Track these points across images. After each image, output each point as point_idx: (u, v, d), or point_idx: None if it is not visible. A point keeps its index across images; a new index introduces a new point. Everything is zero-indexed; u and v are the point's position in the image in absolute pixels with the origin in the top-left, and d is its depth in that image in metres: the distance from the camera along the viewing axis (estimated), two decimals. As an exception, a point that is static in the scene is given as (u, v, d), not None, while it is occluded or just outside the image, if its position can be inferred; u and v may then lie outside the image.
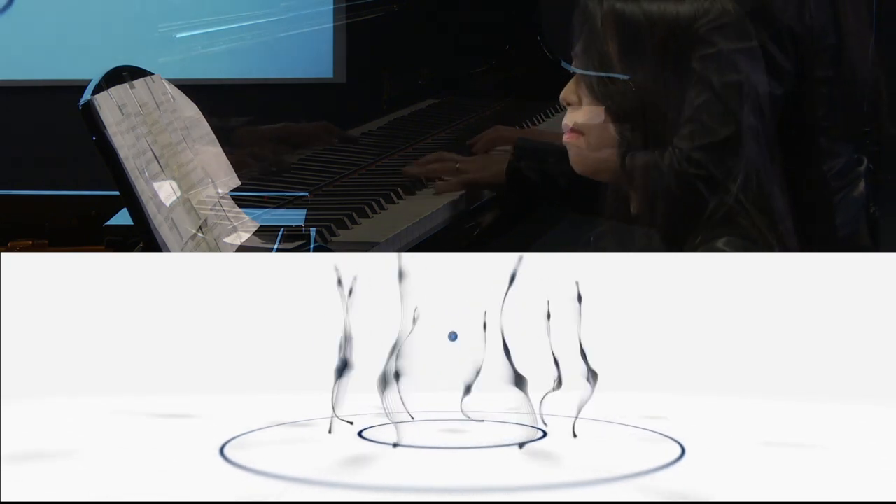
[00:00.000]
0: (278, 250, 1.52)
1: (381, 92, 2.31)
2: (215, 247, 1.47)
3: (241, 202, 1.63)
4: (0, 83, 2.90)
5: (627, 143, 1.35)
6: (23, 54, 2.88)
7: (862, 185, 1.84)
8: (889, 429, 2.22)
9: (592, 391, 1.95)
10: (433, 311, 1.97)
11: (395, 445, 1.82)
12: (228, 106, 2.24)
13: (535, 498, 1.40)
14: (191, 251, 1.36)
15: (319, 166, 2.00)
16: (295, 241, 1.55)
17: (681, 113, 1.32)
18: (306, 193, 1.82)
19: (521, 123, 2.31)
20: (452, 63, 2.40)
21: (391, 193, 1.88)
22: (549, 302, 2.06)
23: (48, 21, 2.86)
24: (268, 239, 1.56)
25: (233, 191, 1.61)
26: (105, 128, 1.23)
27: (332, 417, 2.02)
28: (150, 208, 1.26)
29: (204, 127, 1.62)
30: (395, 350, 1.86)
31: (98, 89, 1.28)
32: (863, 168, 1.84)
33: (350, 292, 2.00)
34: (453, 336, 2.12)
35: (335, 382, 1.97)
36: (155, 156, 1.36)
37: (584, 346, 1.96)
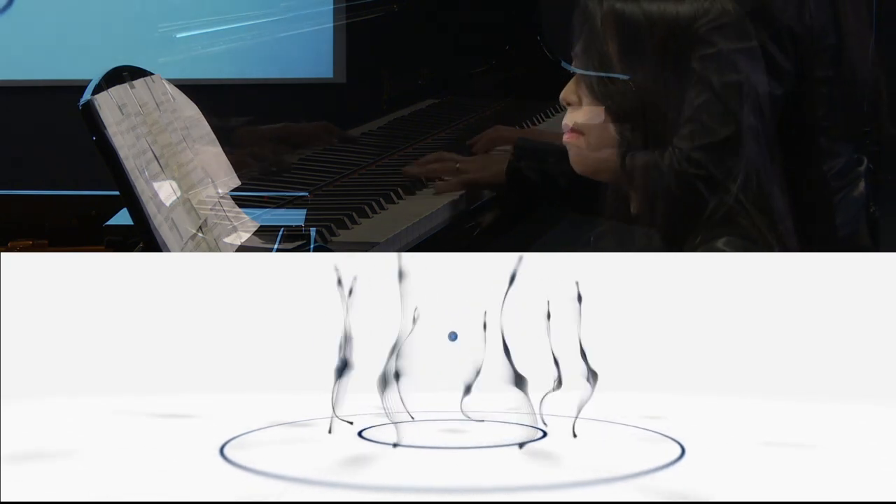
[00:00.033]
0: (278, 250, 1.52)
1: (381, 92, 2.31)
2: (215, 247, 1.47)
3: (241, 202, 1.63)
4: (0, 83, 2.90)
5: (627, 143, 1.35)
6: (23, 54, 2.88)
7: (862, 185, 1.84)
8: (889, 429, 2.21)
9: (592, 391, 1.95)
10: (433, 311, 1.97)
11: (395, 445, 1.81)
12: (228, 106, 2.24)
13: (535, 498, 1.40)
14: (191, 251, 1.36)
15: (319, 166, 2.00)
16: (295, 241, 1.55)
17: (681, 113, 1.32)
18: (306, 193, 1.82)
19: (521, 123, 2.30)
20: (452, 63, 2.39)
21: (391, 193, 1.88)
22: (549, 302, 2.06)
23: (48, 21, 2.86)
24: (268, 239, 1.56)
25: (233, 191, 1.61)
26: (105, 128, 1.23)
27: (332, 417, 2.02)
28: (150, 208, 1.26)
29: (204, 127, 1.62)
30: (395, 350, 1.86)
31: (98, 89, 1.28)
32: (863, 168, 1.84)
33: (350, 292, 1.99)
34: (453, 336, 2.11)
35: (335, 382, 1.97)
36: (155, 156, 1.36)
37: (584, 346, 1.96)
